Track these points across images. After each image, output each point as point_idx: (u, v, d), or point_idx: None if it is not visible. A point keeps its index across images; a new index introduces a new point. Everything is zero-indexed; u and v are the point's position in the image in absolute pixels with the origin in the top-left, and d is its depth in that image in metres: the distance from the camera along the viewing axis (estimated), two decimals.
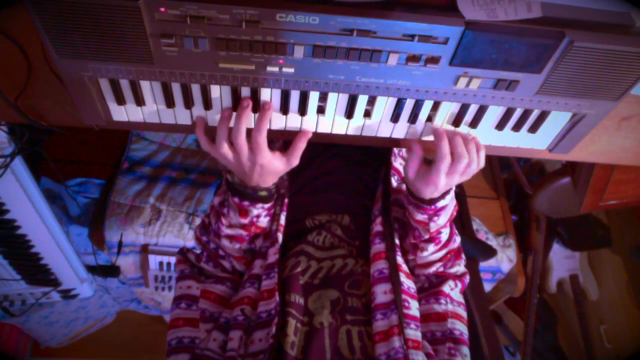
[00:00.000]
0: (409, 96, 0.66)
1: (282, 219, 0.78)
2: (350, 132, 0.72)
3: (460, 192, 1.33)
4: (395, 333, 0.62)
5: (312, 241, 0.79)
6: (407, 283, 0.72)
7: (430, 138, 0.72)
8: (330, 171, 0.95)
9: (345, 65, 0.60)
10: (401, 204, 0.84)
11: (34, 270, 1.21)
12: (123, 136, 1.65)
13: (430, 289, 0.76)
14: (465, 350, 0.68)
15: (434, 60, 0.59)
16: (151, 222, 1.46)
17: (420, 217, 0.73)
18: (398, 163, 0.96)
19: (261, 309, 0.66)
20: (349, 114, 0.69)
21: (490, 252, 1.16)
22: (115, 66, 0.60)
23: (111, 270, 1.47)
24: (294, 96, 0.66)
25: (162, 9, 0.53)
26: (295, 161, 0.69)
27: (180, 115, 0.68)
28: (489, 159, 0.71)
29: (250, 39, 0.56)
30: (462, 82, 0.62)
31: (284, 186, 0.81)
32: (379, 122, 0.71)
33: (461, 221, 1.26)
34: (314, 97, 0.66)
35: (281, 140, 0.93)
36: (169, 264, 1.51)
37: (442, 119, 0.71)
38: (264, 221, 0.75)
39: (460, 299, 0.76)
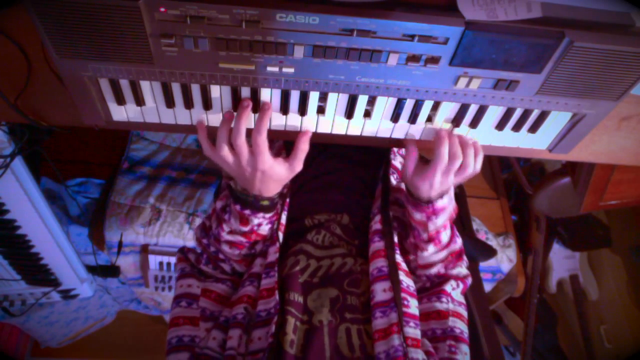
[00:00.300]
0: (409, 96, 0.66)
1: (283, 218, 0.78)
2: (350, 132, 0.72)
3: (460, 192, 1.33)
4: (395, 331, 0.62)
5: (311, 240, 0.79)
6: (407, 281, 0.72)
7: (430, 139, 0.72)
8: (330, 170, 0.95)
9: (345, 65, 0.60)
10: (401, 203, 0.84)
11: (34, 270, 1.21)
12: (123, 136, 1.65)
13: (431, 288, 0.76)
14: (465, 348, 0.68)
15: (434, 60, 0.59)
16: (151, 222, 1.46)
17: (419, 217, 0.73)
18: (397, 162, 0.96)
19: (260, 307, 0.66)
20: (349, 114, 0.69)
21: (490, 252, 1.15)
22: (115, 66, 0.60)
23: (111, 270, 1.47)
24: (294, 96, 0.66)
25: (162, 9, 0.53)
26: (299, 166, 0.68)
27: (180, 115, 0.68)
28: (489, 159, 0.71)
29: (250, 39, 0.56)
30: (462, 82, 0.62)
31: (287, 186, 0.81)
32: (379, 122, 0.71)
33: (461, 221, 1.26)
34: (314, 97, 0.66)
35: (281, 140, 0.93)
36: (169, 264, 1.51)
37: (442, 119, 0.71)
38: (265, 229, 0.75)
39: (461, 299, 0.77)
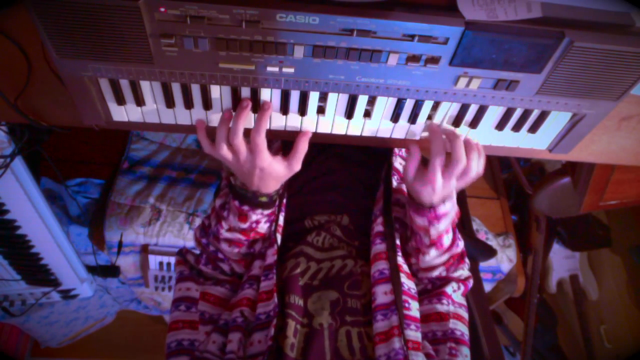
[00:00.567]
0: (409, 96, 0.66)
1: (281, 220, 0.78)
2: (350, 132, 0.72)
3: (460, 192, 1.33)
4: (396, 334, 0.61)
5: (311, 242, 0.79)
6: (408, 284, 0.72)
7: (426, 134, 0.72)
8: (330, 171, 0.95)
9: (345, 65, 0.60)
10: (402, 204, 0.84)
11: (34, 270, 1.21)
12: (123, 136, 1.65)
13: (432, 290, 0.76)
14: (466, 350, 0.68)
15: (434, 60, 0.59)
16: (151, 222, 1.46)
17: (421, 222, 0.72)
18: (398, 163, 0.96)
19: (260, 310, 0.66)
20: (349, 114, 0.69)
21: (490, 252, 1.15)
22: (115, 66, 0.60)
23: (111, 270, 1.47)
24: (294, 96, 0.66)
25: (162, 9, 0.53)
26: (298, 165, 0.68)
27: (180, 116, 0.68)
28: (489, 159, 0.71)
29: (250, 39, 0.56)
30: (462, 82, 0.62)
31: (283, 187, 0.81)
32: (379, 122, 0.71)
33: (461, 221, 1.26)
34: (314, 97, 0.66)
35: (279, 141, 0.93)
36: (169, 264, 1.51)
37: (442, 119, 0.71)
38: (263, 227, 0.75)
39: (462, 300, 0.76)
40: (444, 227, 0.72)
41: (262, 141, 0.63)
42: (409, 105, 0.68)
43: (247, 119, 0.64)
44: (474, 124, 0.71)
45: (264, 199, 0.70)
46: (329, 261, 0.75)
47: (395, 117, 0.70)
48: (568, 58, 0.59)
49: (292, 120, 0.69)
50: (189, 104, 0.66)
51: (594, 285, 1.87)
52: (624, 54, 0.58)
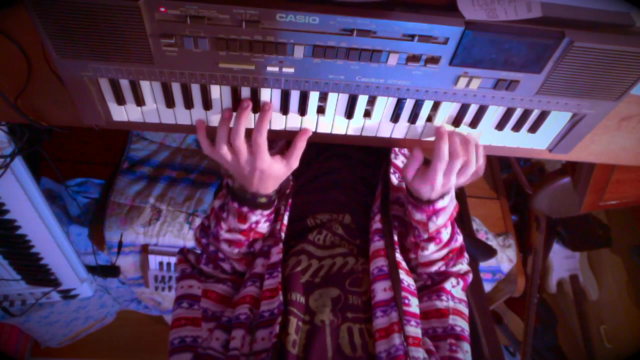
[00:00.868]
0: (409, 96, 0.66)
1: (286, 219, 0.78)
2: (350, 132, 0.72)
3: (460, 192, 1.33)
4: (396, 330, 0.62)
5: (312, 240, 0.79)
6: (407, 280, 0.72)
7: (431, 139, 0.72)
8: (331, 170, 0.95)
9: (345, 65, 0.60)
10: (402, 202, 0.84)
11: (34, 270, 1.21)
12: (123, 136, 1.65)
13: (432, 286, 0.77)
14: (466, 346, 0.68)
15: (434, 60, 0.59)
16: (151, 222, 1.46)
17: (419, 217, 0.73)
18: (399, 161, 0.96)
19: (264, 308, 0.66)
20: (349, 114, 0.69)
21: (490, 252, 1.15)
22: (115, 66, 0.60)
23: (111, 270, 1.47)
24: (294, 96, 0.66)
25: (162, 9, 0.53)
26: (295, 163, 0.68)
27: (180, 115, 0.68)
28: (489, 159, 0.71)
29: (250, 39, 0.56)
30: (462, 82, 0.62)
31: (289, 187, 0.81)
32: (379, 122, 0.71)
33: (461, 221, 1.26)
34: (314, 97, 0.66)
35: (284, 140, 0.93)
36: (169, 264, 1.51)
37: (442, 119, 0.71)
38: (263, 227, 0.75)
39: (462, 296, 0.76)
40: (442, 222, 0.73)
41: (263, 142, 0.63)
42: (409, 105, 0.68)
43: (248, 120, 0.64)
44: (474, 123, 0.71)
45: (263, 200, 0.70)
46: (330, 259, 0.75)
47: (395, 117, 0.70)
48: (568, 58, 0.59)
49: (292, 120, 0.69)
50: (189, 104, 0.66)
51: (594, 285, 1.87)
52: (624, 54, 0.58)
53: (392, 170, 0.90)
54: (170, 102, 0.66)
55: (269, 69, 0.60)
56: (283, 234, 0.75)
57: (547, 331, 1.85)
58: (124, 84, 0.63)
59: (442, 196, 0.71)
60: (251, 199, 0.70)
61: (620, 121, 0.74)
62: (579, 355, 1.86)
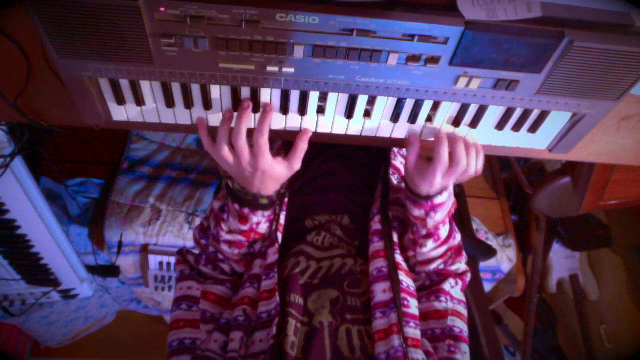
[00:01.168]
0: (409, 96, 0.66)
1: (282, 219, 0.78)
2: (350, 132, 0.72)
3: (460, 192, 1.33)
4: (395, 332, 0.62)
5: (311, 241, 0.79)
6: (407, 281, 0.72)
7: (431, 139, 0.72)
8: (331, 172, 0.95)
9: (345, 65, 0.60)
10: (402, 203, 0.84)
11: (34, 270, 1.21)
12: (123, 136, 1.65)
13: (430, 287, 0.76)
14: (465, 347, 0.68)
15: (434, 60, 0.59)
16: (151, 222, 1.46)
17: (418, 212, 0.73)
18: (399, 162, 0.96)
19: (261, 309, 0.66)
20: (349, 114, 0.69)
21: (490, 252, 1.15)
22: (115, 66, 0.60)
23: (111, 270, 1.47)
24: (294, 96, 0.66)
25: (162, 9, 0.53)
26: (298, 165, 0.68)
27: (180, 115, 0.68)
28: (489, 159, 0.71)
29: (250, 39, 0.56)
30: (462, 82, 0.62)
31: (284, 185, 0.81)
32: (379, 122, 0.71)
33: (461, 221, 1.26)
34: (314, 97, 0.66)
35: (280, 141, 0.93)
36: (169, 264, 1.51)
37: (442, 119, 0.71)
38: (263, 227, 0.75)
39: (461, 296, 0.76)
40: (440, 218, 0.73)
41: (264, 142, 0.63)
42: (409, 105, 0.68)
43: (249, 120, 0.64)
44: (474, 123, 0.71)
45: (264, 201, 0.70)
46: (329, 260, 0.75)
47: (395, 117, 0.70)
48: (568, 58, 0.59)
49: (292, 120, 0.69)
50: (189, 104, 0.66)
51: (594, 285, 1.87)
52: (624, 54, 0.58)
53: (391, 172, 0.90)
54: (170, 102, 0.66)
55: (269, 69, 0.60)
56: (280, 234, 0.75)
57: (547, 331, 1.85)
58: (124, 84, 0.63)
59: (440, 192, 0.72)
60: (252, 200, 0.70)
61: (620, 121, 0.74)
62: (579, 355, 1.86)
